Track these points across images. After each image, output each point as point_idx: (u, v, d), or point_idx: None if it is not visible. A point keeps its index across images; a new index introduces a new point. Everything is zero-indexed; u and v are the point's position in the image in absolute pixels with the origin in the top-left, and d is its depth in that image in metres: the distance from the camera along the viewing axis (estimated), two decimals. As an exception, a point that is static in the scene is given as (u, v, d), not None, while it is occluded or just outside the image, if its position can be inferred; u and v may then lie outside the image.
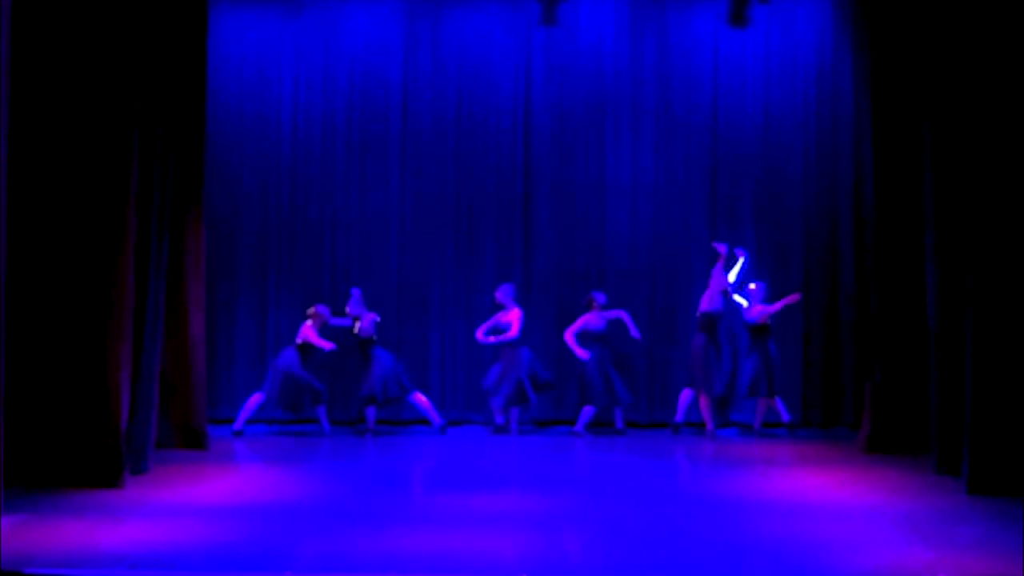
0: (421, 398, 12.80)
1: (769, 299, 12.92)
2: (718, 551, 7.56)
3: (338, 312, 12.88)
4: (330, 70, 13.71)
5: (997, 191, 9.30)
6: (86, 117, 9.34)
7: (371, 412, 12.60)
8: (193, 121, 11.21)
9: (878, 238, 11.50)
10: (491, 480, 10.45)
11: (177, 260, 11.07)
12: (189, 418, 11.38)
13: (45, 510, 8.44)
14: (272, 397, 12.44)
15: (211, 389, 12.48)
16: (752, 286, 12.84)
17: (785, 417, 12.81)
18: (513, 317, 12.72)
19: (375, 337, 12.65)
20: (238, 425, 12.53)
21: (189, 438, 11.34)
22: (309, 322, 12.59)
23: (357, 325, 12.64)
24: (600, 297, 12.85)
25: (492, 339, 12.75)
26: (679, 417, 12.85)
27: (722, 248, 12.76)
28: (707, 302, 12.77)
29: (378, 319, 12.69)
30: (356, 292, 12.81)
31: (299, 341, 12.53)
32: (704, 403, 12.78)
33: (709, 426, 12.76)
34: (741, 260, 12.91)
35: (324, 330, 12.64)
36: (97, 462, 9.26)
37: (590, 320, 12.74)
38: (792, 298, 12.85)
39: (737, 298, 12.92)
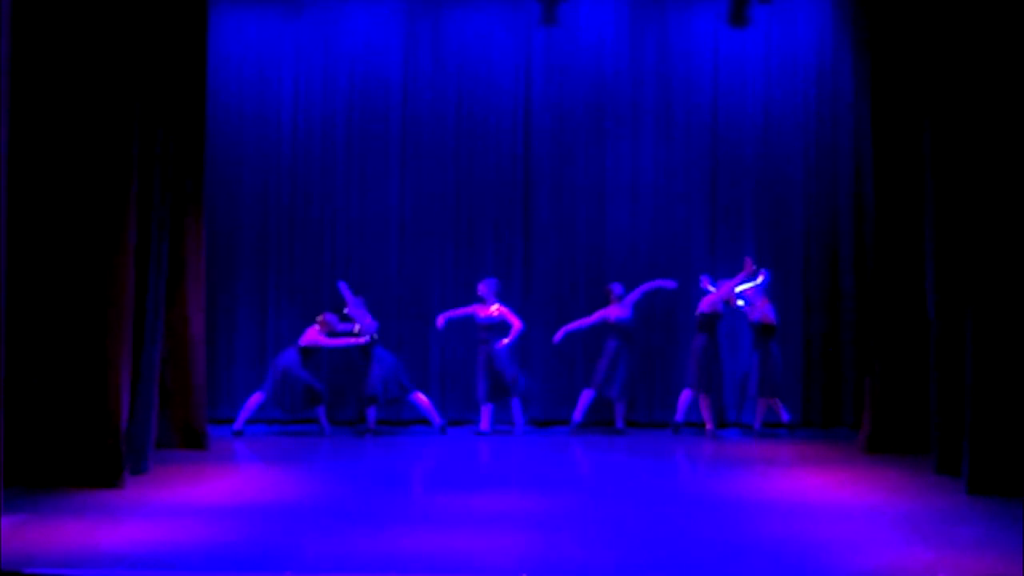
0: (421, 398, 12.80)
1: (770, 297, 12.94)
2: (718, 551, 7.56)
3: (336, 309, 12.88)
4: (330, 70, 13.71)
5: (997, 191, 9.30)
6: (86, 117, 9.34)
7: (371, 412, 12.60)
8: (193, 121, 11.20)
9: (878, 238, 11.50)
10: (491, 480, 10.46)
11: (177, 260, 11.07)
12: (189, 418, 11.38)
13: (45, 510, 8.44)
14: (272, 397, 12.44)
15: (211, 389, 12.47)
16: (760, 279, 12.83)
17: (785, 417, 12.82)
18: (502, 313, 12.70)
19: (375, 337, 12.65)
20: (238, 425, 12.53)
21: (189, 438, 11.33)
22: (316, 327, 12.58)
23: (357, 327, 12.64)
24: (617, 288, 12.85)
25: (507, 340, 12.69)
26: (679, 417, 12.85)
27: (750, 264, 12.75)
28: (708, 305, 12.78)
29: (376, 325, 12.69)
30: (343, 287, 12.78)
31: (303, 344, 12.53)
32: (704, 403, 12.79)
33: (709, 426, 12.76)
34: (761, 279, 12.88)
35: (330, 337, 12.67)
36: (97, 462, 9.26)
37: (610, 312, 12.74)
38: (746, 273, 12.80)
39: (740, 303, 12.92)
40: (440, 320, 12.89)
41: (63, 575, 6.75)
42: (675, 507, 9.08)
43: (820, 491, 9.67)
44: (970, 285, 9.46)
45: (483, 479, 10.49)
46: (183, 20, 10.83)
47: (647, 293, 12.90)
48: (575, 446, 12.20)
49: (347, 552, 7.43)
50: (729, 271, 13.39)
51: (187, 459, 10.86)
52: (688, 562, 7.31)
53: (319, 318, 12.62)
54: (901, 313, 11.31)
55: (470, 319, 12.95)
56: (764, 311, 12.72)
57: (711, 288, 12.84)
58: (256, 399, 12.54)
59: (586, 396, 12.82)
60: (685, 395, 12.83)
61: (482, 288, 12.85)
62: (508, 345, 12.65)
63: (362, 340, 12.54)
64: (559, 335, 12.86)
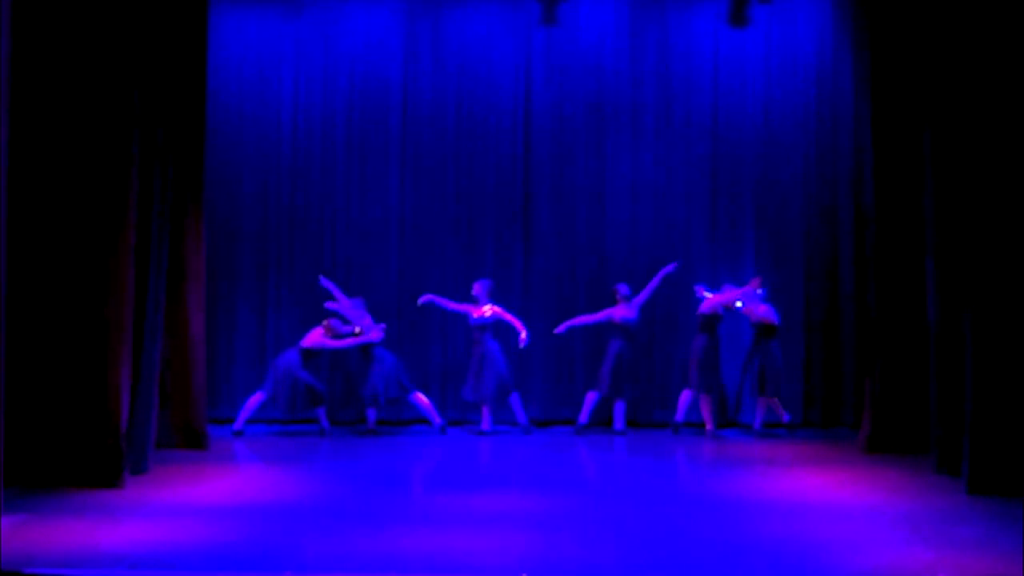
0: (421, 398, 12.80)
1: (770, 299, 12.95)
2: (718, 551, 7.56)
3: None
4: (330, 70, 13.71)
5: (997, 191, 9.30)
6: (86, 117, 9.34)
7: (371, 412, 12.60)
8: (193, 121, 11.20)
9: (878, 238, 11.50)
10: (491, 480, 10.46)
11: (177, 260, 11.07)
12: (189, 418, 11.37)
13: (45, 510, 8.44)
14: (273, 397, 12.44)
15: (211, 389, 12.48)
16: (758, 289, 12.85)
17: (785, 417, 12.82)
18: (495, 313, 12.70)
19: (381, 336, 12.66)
20: (238, 425, 12.53)
21: (189, 438, 11.33)
22: (321, 330, 12.58)
23: (357, 328, 12.63)
24: (623, 288, 12.86)
25: (524, 336, 12.70)
26: (679, 417, 12.85)
27: (756, 283, 12.76)
28: (708, 306, 12.78)
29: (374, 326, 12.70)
30: (326, 282, 12.77)
31: (305, 346, 12.52)
32: (704, 403, 12.79)
33: (709, 426, 12.76)
34: (759, 293, 12.89)
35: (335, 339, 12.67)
36: (97, 462, 9.26)
37: (616, 312, 12.74)
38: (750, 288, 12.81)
39: (738, 304, 12.91)
40: (425, 297, 12.88)
41: (63, 575, 6.75)
42: (675, 507, 9.08)
43: (820, 491, 9.67)
44: (970, 285, 9.46)
45: (483, 479, 10.49)
46: (183, 20, 10.83)
47: (655, 290, 12.89)
48: (575, 446, 12.19)
49: (347, 552, 7.43)
50: (729, 271, 13.43)
51: (187, 459, 10.86)
52: (688, 562, 7.31)
53: (325, 323, 12.60)
54: (901, 313, 11.31)
55: (459, 317, 12.98)
56: (764, 312, 12.72)
57: (706, 295, 12.84)
58: (256, 399, 12.54)
59: (591, 398, 12.81)
60: (685, 395, 12.83)
61: (476, 288, 12.85)
62: (526, 342, 12.69)
63: (374, 336, 12.53)
64: (562, 327, 12.87)
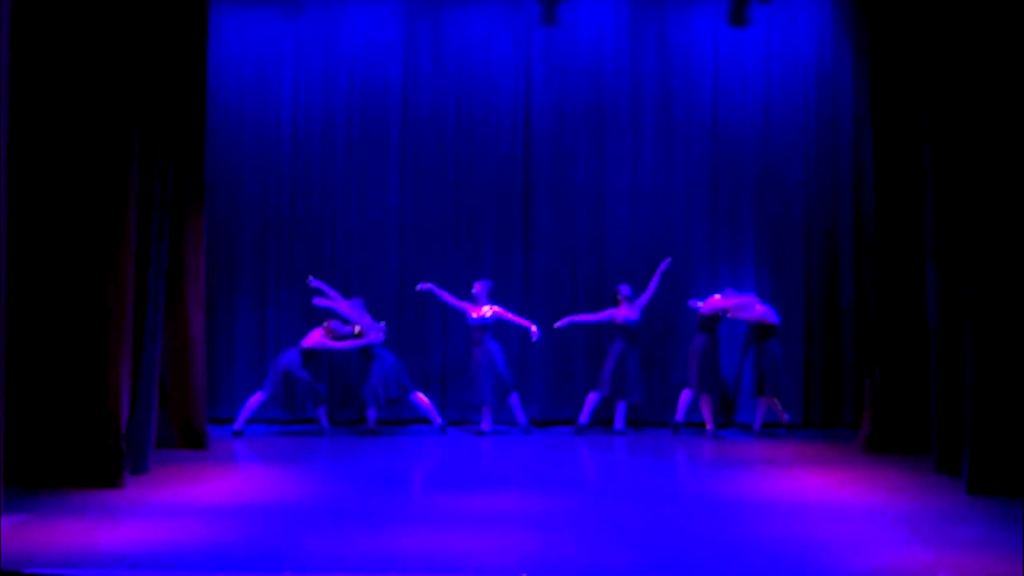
0: (422, 398, 12.80)
1: (768, 300, 12.96)
2: (718, 551, 7.57)
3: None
4: (330, 70, 13.70)
5: (997, 191, 9.30)
6: (86, 117, 9.34)
7: (371, 412, 12.60)
8: (193, 121, 11.19)
9: (878, 238, 11.50)
10: (491, 480, 10.46)
11: (177, 260, 11.07)
12: (189, 418, 11.37)
13: (45, 510, 8.45)
14: (273, 397, 12.44)
15: (211, 389, 12.47)
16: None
17: (785, 417, 12.82)
18: (496, 313, 12.70)
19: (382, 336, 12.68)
20: (238, 425, 12.52)
21: (189, 438, 11.33)
22: (321, 331, 12.57)
23: (357, 328, 12.62)
24: (624, 289, 12.86)
25: (535, 330, 12.71)
26: (679, 417, 12.85)
27: (754, 299, 12.83)
28: (708, 307, 12.78)
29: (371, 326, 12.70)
30: (315, 283, 12.77)
31: (306, 346, 12.51)
32: (704, 403, 12.79)
33: (709, 426, 12.77)
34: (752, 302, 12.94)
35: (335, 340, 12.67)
36: (97, 462, 9.26)
37: (618, 313, 12.74)
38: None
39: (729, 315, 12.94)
40: (424, 286, 12.89)
41: (63, 575, 6.75)
42: (675, 507, 9.08)
43: (820, 491, 9.67)
44: (970, 285, 9.46)
45: (483, 479, 10.49)
46: (183, 20, 10.82)
47: (656, 290, 12.87)
48: (575, 446, 12.19)
49: (347, 552, 7.43)
50: (729, 271, 13.43)
51: (187, 459, 10.85)
52: (688, 562, 7.31)
53: (325, 324, 12.59)
54: (901, 313, 11.30)
55: (459, 317, 12.99)
56: (763, 312, 12.71)
57: (699, 304, 12.83)
58: (256, 399, 12.53)
59: (592, 399, 12.81)
60: (685, 395, 12.83)
61: (477, 287, 12.85)
62: (537, 336, 12.71)
63: (376, 339, 12.52)
64: (562, 321, 12.87)
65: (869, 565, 7.20)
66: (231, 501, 9.17)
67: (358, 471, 10.76)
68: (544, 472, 10.87)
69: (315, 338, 12.54)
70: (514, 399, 12.83)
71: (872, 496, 9.38)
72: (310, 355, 12.54)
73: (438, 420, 12.77)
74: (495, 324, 12.74)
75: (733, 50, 13.66)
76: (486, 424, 12.70)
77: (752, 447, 12.16)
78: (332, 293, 12.79)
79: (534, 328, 12.72)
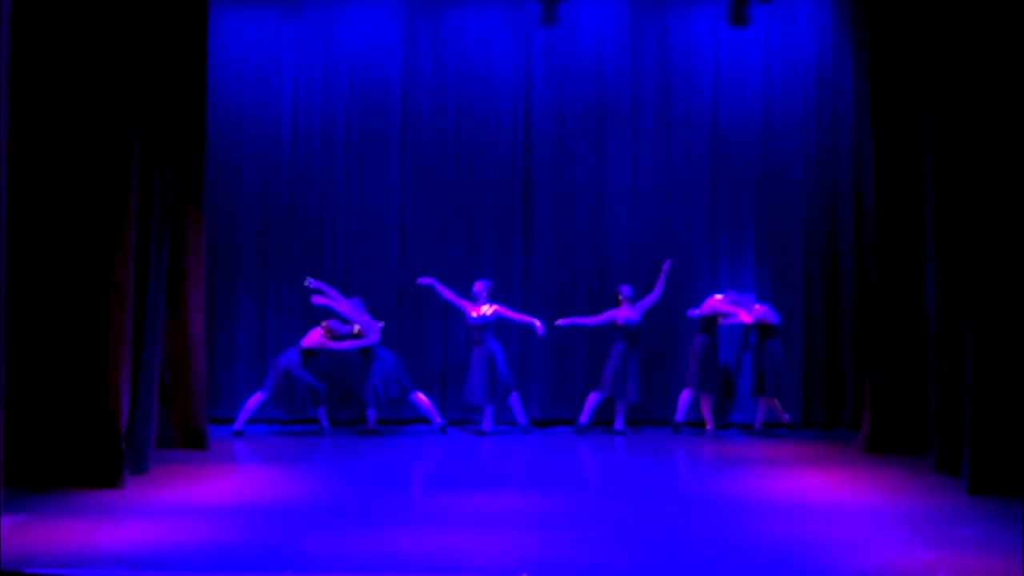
0: (422, 398, 12.80)
1: (767, 300, 12.96)
2: (718, 551, 7.57)
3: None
4: (330, 70, 13.70)
5: (998, 192, 9.30)
6: (86, 117, 9.34)
7: (371, 412, 12.60)
8: (193, 121, 11.19)
9: (878, 238, 11.50)
10: (491, 480, 10.46)
11: (177, 260, 11.07)
12: (189, 418, 11.37)
13: (45, 510, 8.45)
14: (273, 397, 12.44)
15: (211, 389, 12.47)
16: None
17: (785, 417, 12.82)
18: (497, 312, 12.68)
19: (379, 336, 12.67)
20: (238, 425, 12.53)
21: (189, 438, 11.33)
22: (320, 331, 12.57)
23: (357, 328, 12.62)
24: (625, 289, 12.85)
25: (539, 324, 12.71)
26: (679, 417, 12.85)
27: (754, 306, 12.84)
28: (708, 307, 12.79)
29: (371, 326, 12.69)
30: (313, 283, 12.76)
31: (305, 346, 12.51)
32: (704, 403, 12.80)
33: (709, 426, 12.77)
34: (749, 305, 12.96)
35: (334, 340, 12.67)
36: (97, 462, 9.26)
37: (619, 314, 12.74)
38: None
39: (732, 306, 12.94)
40: (425, 279, 12.88)
41: (63, 575, 6.76)
42: (675, 507, 9.08)
43: (820, 491, 9.67)
44: (970, 285, 9.46)
45: (483, 479, 10.49)
46: (183, 21, 10.82)
47: (663, 293, 12.86)
48: (575, 446, 12.19)
49: (347, 552, 7.43)
50: (729, 271, 13.43)
51: (187, 459, 10.86)
52: (688, 562, 7.31)
53: (324, 324, 12.59)
54: (901, 313, 11.30)
55: (459, 316, 12.98)
56: (762, 312, 12.72)
57: (696, 313, 12.84)
58: (256, 399, 12.53)
59: (593, 399, 12.81)
60: (685, 395, 12.83)
61: (477, 287, 12.84)
62: (543, 332, 12.70)
63: (372, 339, 12.52)
64: (564, 321, 12.85)
65: (869, 565, 7.20)
66: (231, 501, 9.17)
67: (358, 471, 10.76)
68: (544, 472, 10.87)
69: (314, 338, 12.54)
70: (514, 399, 12.84)
71: (872, 496, 9.38)
72: (310, 355, 12.54)
73: (438, 420, 12.77)
74: (495, 323, 12.74)
75: (733, 50, 13.66)
76: (486, 424, 12.70)
77: (752, 447, 12.16)
78: (332, 293, 12.79)
79: (538, 323, 12.72)
